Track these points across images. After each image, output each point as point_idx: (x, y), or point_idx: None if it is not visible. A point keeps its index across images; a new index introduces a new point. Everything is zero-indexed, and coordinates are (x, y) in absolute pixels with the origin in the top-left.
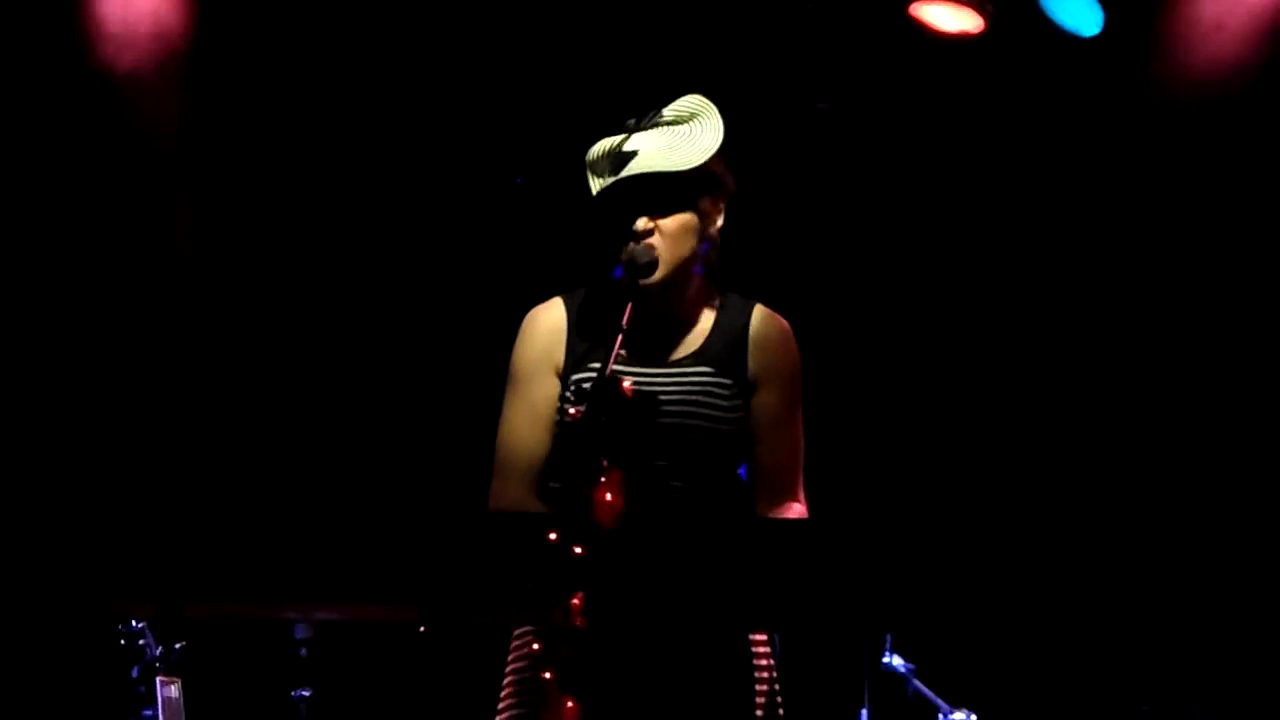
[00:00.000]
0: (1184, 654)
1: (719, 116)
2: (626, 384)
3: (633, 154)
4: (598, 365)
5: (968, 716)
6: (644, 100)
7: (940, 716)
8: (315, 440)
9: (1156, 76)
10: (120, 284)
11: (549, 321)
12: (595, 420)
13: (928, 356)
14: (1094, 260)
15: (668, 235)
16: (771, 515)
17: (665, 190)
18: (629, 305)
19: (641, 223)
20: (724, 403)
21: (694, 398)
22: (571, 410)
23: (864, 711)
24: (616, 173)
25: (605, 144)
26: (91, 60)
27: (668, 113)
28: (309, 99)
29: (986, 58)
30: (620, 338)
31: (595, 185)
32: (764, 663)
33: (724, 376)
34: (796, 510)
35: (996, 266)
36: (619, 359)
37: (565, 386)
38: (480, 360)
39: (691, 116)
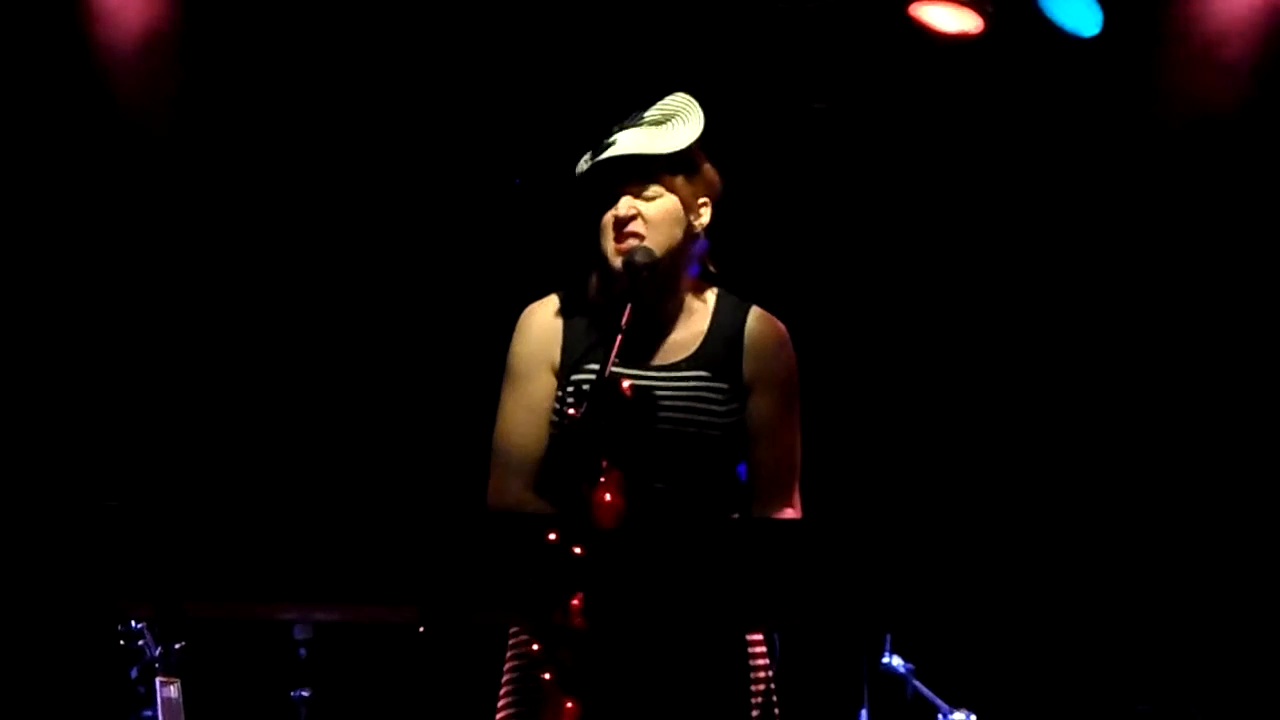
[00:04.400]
0: (1184, 654)
1: (700, 111)
2: (626, 384)
3: (613, 144)
4: (596, 366)
5: (967, 717)
6: (642, 99)
7: (940, 717)
8: (314, 440)
9: (1156, 77)
10: (120, 282)
11: (546, 318)
12: (595, 421)
13: (926, 356)
14: (1092, 260)
15: (651, 221)
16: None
17: (645, 174)
18: (629, 306)
19: (625, 204)
20: (719, 406)
21: (689, 401)
22: (571, 410)
23: (864, 712)
24: (594, 159)
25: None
26: (87, 56)
27: (650, 113)
28: (309, 99)
29: (986, 58)
30: (620, 338)
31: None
32: (760, 663)
33: (719, 380)
34: (790, 516)
35: (995, 267)
36: (615, 362)
37: (562, 384)
38: (478, 360)
39: (674, 114)
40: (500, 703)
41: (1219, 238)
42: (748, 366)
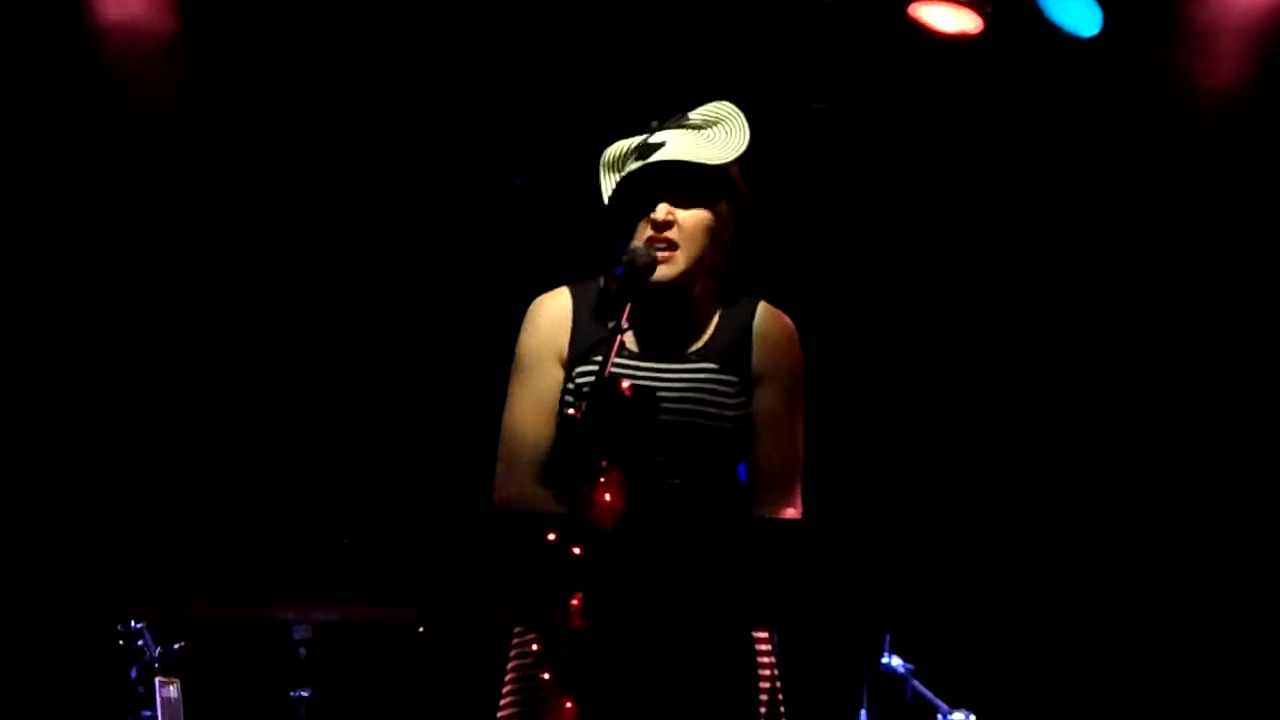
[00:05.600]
0: (1184, 654)
1: (746, 123)
2: (625, 384)
3: (661, 144)
4: (599, 362)
5: (967, 717)
6: (644, 99)
7: (939, 717)
8: (313, 439)
9: (1155, 77)
10: (119, 282)
11: (554, 310)
12: (595, 420)
13: (927, 356)
14: (1093, 261)
15: (685, 231)
16: (766, 516)
17: (691, 184)
18: (628, 306)
19: (662, 210)
20: (728, 400)
21: (698, 394)
22: (571, 410)
23: (863, 712)
24: (643, 160)
25: (625, 143)
26: (92, 55)
27: (695, 116)
28: (311, 99)
29: (985, 58)
30: (619, 338)
31: (608, 184)
32: (766, 660)
33: (728, 373)
34: (791, 514)
35: (995, 267)
36: (625, 354)
37: (569, 377)
38: (480, 361)
39: (718, 121)
40: (502, 703)
41: (1219, 238)
42: (756, 359)
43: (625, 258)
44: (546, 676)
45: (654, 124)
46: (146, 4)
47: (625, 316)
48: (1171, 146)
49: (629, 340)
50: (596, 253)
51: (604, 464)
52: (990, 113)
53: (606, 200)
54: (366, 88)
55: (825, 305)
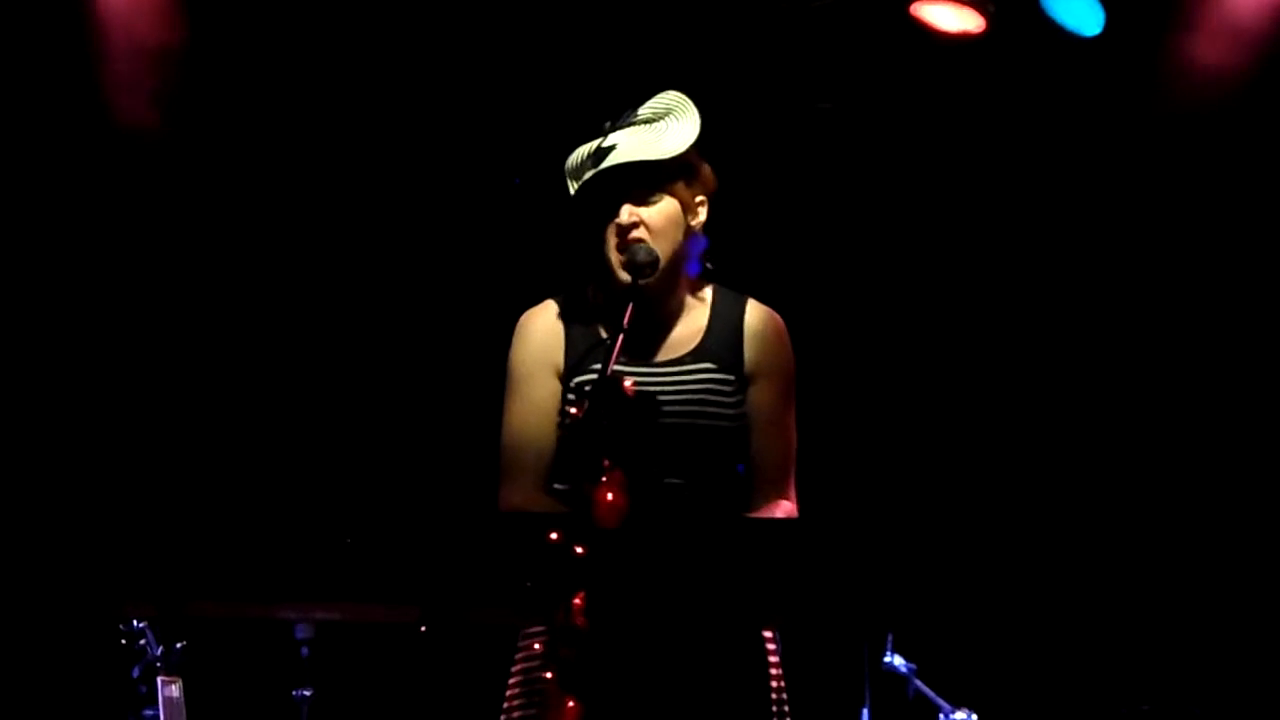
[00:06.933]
0: (1184, 654)
1: (695, 109)
2: (628, 384)
3: (611, 149)
4: (599, 366)
5: (969, 716)
6: (645, 99)
7: (941, 716)
8: (316, 440)
9: (1158, 76)
10: (122, 284)
11: (546, 322)
12: (596, 420)
13: (928, 356)
14: (1094, 260)
15: (653, 227)
16: (761, 512)
17: (646, 180)
18: (630, 305)
19: (626, 212)
20: (727, 400)
21: (698, 396)
22: (573, 410)
23: (865, 711)
24: (596, 167)
25: (584, 149)
26: (91, 59)
27: (643, 111)
28: (308, 100)
29: (988, 58)
30: (621, 338)
31: (574, 189)
32: (773, 659)
33: (726, 372)
34: (785, 508)
35: (997, 266)
36: (622, 360)
37: (567, 388)
38: (480, 360)
39: (667, 112)
40: (507, 703)
41: (1221, 237)
42: (749, 358)
43: (625, 258)
44: (549, 676)
45: (607, 125)
46: (145, 4)
47: (628, 317)
48: (1174, 145)
49: (625, 346)
50: (574, 262)
51: (606, 463)
52: (993, 112)
53: (571, 209)
54: (364, 90)
55: (829, 304)
